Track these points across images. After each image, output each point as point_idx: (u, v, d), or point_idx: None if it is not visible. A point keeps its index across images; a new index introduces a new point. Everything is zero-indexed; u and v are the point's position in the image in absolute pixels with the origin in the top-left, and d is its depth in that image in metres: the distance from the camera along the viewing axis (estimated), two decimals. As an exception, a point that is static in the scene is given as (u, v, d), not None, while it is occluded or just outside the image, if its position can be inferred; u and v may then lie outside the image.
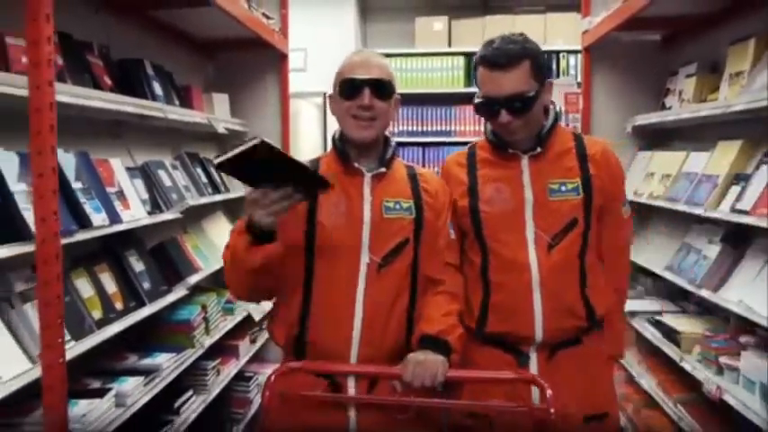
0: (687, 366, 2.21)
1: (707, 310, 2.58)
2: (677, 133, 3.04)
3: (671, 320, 2.42)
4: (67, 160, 1.80)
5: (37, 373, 1.47)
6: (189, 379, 2.46)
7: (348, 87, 1.44)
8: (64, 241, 1.51)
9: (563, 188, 1.51)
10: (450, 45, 4.56)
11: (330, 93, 1.52)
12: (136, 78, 2.37)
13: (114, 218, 1.90)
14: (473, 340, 1.54)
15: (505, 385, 1.50)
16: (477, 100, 1.51)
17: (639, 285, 3.00)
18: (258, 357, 3.25)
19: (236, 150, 1.17)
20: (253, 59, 3.31)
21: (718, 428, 2.18)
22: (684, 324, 2.43)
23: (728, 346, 2.09)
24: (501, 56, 1.44)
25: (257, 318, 3.11)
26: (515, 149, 1.53)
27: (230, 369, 2.81)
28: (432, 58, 4.50)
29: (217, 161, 1.21)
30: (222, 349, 2.80)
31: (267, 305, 3.27)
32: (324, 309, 1.43)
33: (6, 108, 1.61)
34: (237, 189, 3.07)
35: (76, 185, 1.78)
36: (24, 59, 1.68)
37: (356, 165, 1.46)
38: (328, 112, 4.81)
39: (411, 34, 4.62)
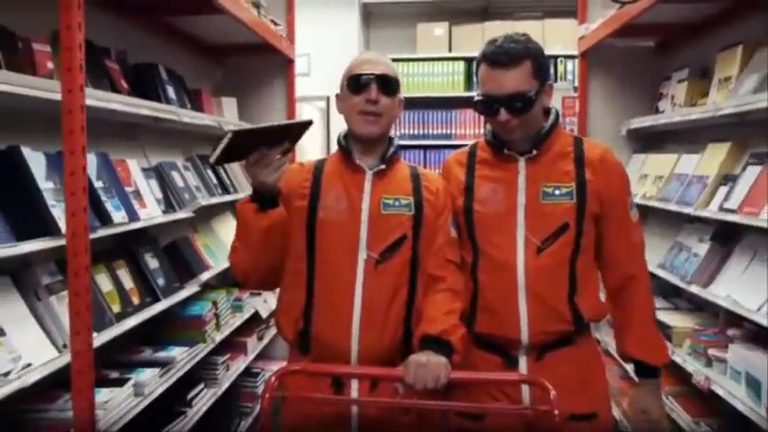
0: (678, 359, 2.31)
1: (698, 306, 2.68)
2: (670, 136, 3.14)
3: (663, 316, 2.52)
4: (89, 160, 1.89)
5: (63, 360, 1.57)
6: (200, 373, 2.56)
7: (355, 82, 1.49)
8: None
9: (556, 192, 1.51)
10: (450, 50, 4.67)
11: (337, 92, 1.57)
12: (150, 82, 2.48)
13: (133, 216, 2.00)
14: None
15: (499, 386, 1.52)
16: (476, 97, 1.51)
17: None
18: (265, 354, 3.34)
19: (221, 146, 1.33)
20: (260, 64, 3.42)
21: (706, 417, 2.27)
22: (676, 319, 2.52)
23: (717, 339, 2.19)
24: (503, 54, 1.44)
25: (264, 315, 3.20)
26: (512, 151, 1.54)
27: (239, 364, 2.90)
28: (433, 62, 4.62)
29: (211, 161, 1.39)
30: (231, 345, 2.90)
31: (273, 303, 3.38)
32: (325, 304, 1.47)
33: (33, 110, 1.71)
34: (246, 190, 3.17)
35: (98, 184, 1.88)
36: (50, 64, 1.79)
37: (358, 162, 1.51)
38: (331, 115, 4.94)
39: (413, 40, 4.74)
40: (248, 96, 3.45)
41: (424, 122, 4.67)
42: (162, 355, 2.25)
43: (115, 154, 2.16)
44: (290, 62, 3.48)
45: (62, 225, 1.57)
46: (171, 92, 2.57)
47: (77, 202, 1.42)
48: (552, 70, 4.43)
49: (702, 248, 2.37)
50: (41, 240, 1.53)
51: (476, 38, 4.65)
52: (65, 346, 1.62)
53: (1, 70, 1.48)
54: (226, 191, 3.01)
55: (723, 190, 2.25)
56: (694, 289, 2.28)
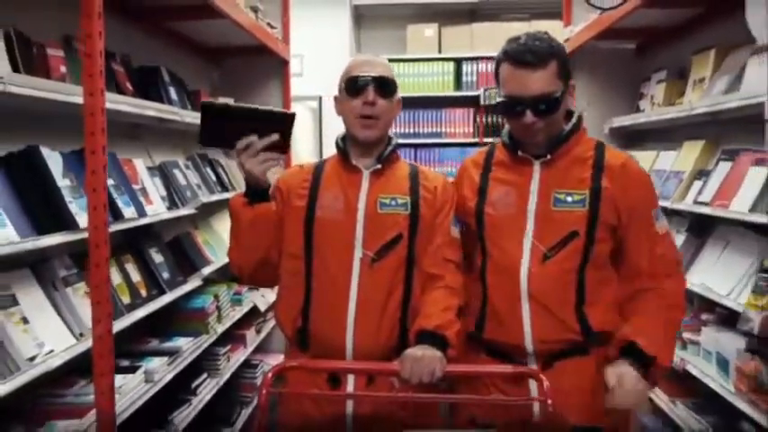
0: (657, 344, 2.45)
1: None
2: (650, 134, 3.29)
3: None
4: (101, 160, 2.00)
5: (82, 347, 1.67)
6: (204, 363, 2.66)
7: (353, 85, 1.49)
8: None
9: (569, 199, 1.44)
10: (440, 51, 4.79)
11: (335, 95, 1.57)
12: (153, 84, 2.58)
13: (141, 212, 2.11)
14: (474, 348, 1.53)
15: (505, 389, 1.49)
16: (499, 99, 1.45)
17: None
18: (263, 347, 3.46)
19: (200, 123, 1.36)
20: (257, 65, 3.53)
21: (683, 397, 2.42)
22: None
23: (692, 323, 2.33)
24: (529, 54, 1.38)
25: (262, 308, 3.31)
26: (526, 153, 1.48)
27: (239, 356, 3.01)
28: (423, 63, 4.73)
29: (199, 141, 1.40)
30: (231, 337, 3.01)
31: (271, 297, 3.48)
32: (322, 302, 1.49)
33: (48, 112, 1.81)
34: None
35: (109, 182, 1.98)
36: (63, 68, 1.89)
37: (354, 162, 1.53)
38: (323, 114, 5.03)
39: (403, 40, 4.84)
40: (245, 97, 3.54)
41: (414, 122, 4.79)
42: (168, 345, 2.36)
43: (121, 153, 2.26)
44: (285, 63, 3.59)
45: (79, 220, 1.68)
46: (173, 93, 2.67)
47: (98, 197, 1.52)
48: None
49: (679, 240, 2.51)
50: (61, 234, 1.63)
51: (464, 39, 4.78)
52: (81, 334, 1.73)
53: (22, 75, 1.58)
54: (224, 188, 3.12)
55: (697, 184, 2.40)
56: (671, 278, 2.41)
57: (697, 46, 2.68)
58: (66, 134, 1.86)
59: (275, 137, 1.39)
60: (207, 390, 2.60)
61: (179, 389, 2.42)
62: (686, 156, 2.58)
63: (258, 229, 1.47)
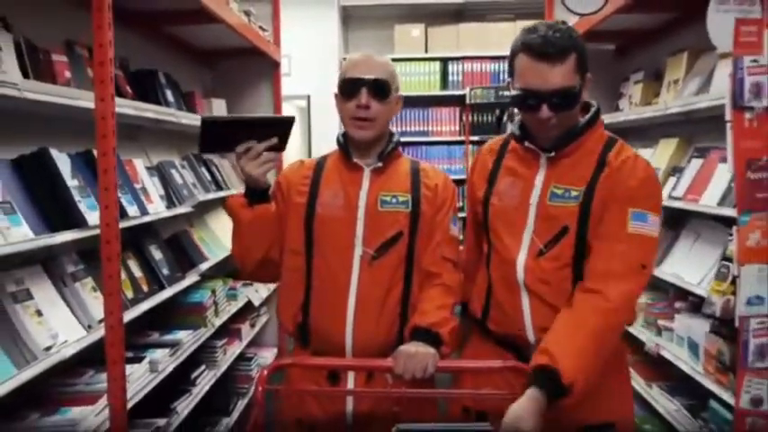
0: (634, 331, 2.60)
1: (652, 284, 2.97)
2: (628, 132, 3.41)
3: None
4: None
5: (93, 338, 1.77)
6: (202, 355, 2.76)
7: (347, 87, 1.48)
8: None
9: (566, 194, 1.41)
10: (426, 51, 4.90)
11: (335, 92, 1.56)
12: (150, 87, 2.66)
13: (143, 210, 2.20)
14: (482, 339, 1.53)
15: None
16: (514, 92, 1.39)
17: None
18: (257, 341, 3.56)
19: (199, 135, 1.39)
20: (248, 67, 3.62)
21: (658, 380, 2.56)
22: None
23: (666, 311, 2.48)
24: (549, 46, 1.32)
25: (256, 303, 3.41)
26: (534, 144, 1.45)
27: (234, 349, 3.11)
28: (410, 62, 4.84)
29: (199, 151, 1.47)
30: (227, 331, 3.10)
31: (264, 292, 3.58)
32: (322, 298, 1.49)
33: (55, 116, 1.90)
34: (237, 187, 3.37)
35: (114, 182, 2.07)
36: (68, 73, 1.98)
37: (355, 160, 1.53)
38: (312, 113, 5.10)
39: (390, 40, 4.95)
40: (237, 97, 3.63)
41: (402, 120, 4.89)
42: (169, 338, 2.45)
43: (122, 154, 2.34)
44: (276, 65, 3.68)
45: (88, 218, 1.77)
46: (169, 95, 2.76)
47: (110, 196, 1.62)
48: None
49: (655, 233, 2.65)
50: (72, 232, 1.72)
51: (451, 39, 4.89)
52: (90, 326, 1.82)
53: (34, 81, 1.67)
54: (219, 187, 3.20)
55: (672, 180, 2.54)
56: (648, 268, 2.55)
57: (672, 48, 2.82)
58: (71, 137, 1.95)
59: (274, 140, 1.42)
60: (205, 380, 2.69)
61: (179, 380, 2.52)
62: (662, 153, 2.72)
63: (258, 229, 1.49)
